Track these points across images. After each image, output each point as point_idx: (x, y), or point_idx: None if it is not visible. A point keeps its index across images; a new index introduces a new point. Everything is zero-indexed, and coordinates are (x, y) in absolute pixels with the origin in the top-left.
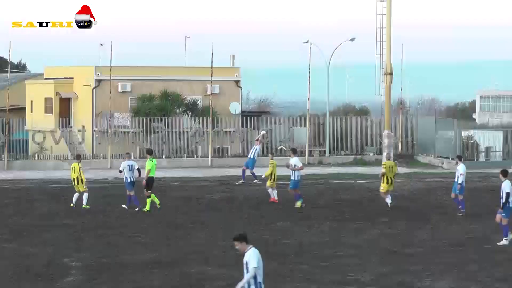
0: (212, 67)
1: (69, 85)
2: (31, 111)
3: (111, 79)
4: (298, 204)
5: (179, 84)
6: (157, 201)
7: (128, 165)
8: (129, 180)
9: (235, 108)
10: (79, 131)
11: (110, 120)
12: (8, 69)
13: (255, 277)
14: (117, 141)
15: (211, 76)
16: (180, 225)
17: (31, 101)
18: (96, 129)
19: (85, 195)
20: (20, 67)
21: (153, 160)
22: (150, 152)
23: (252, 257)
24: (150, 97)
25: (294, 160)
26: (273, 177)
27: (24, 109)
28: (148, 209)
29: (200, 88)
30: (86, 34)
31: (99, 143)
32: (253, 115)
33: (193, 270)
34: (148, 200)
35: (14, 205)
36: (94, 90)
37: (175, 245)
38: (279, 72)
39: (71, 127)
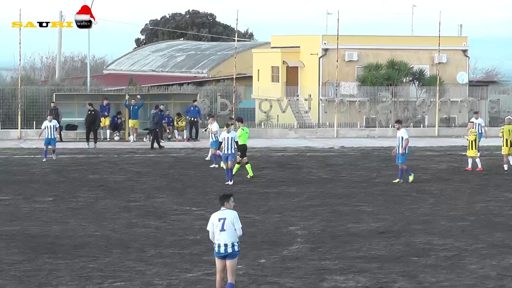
0: (439, 36)
1: (296, 54)
2: (258, 80)
3: (337, 48)
4: (410, 178)
5: (405, 53)
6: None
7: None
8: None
9: (462, 77)
10: (305, 100)
11: (336, 89)
12: (236, 38)
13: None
14: (343, 110)
15: (439, 46)
16: (405, 195)
17: (258, 70)
18: (322, 98)
19: None
20: (247, 35)
21: (244, 128)
22: (240, 120)
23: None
24: (376, 66)
25: (402, 133)
26: (471, 145)
27: (250, 77)
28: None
29: (427, 58)
30: (314, 3)
31: (325, 112)
32: (480, 85)
33: (418, 240)
34: (248, 166)
35: (238, 173)
36: (320, 59)
37: (400, 215)
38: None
39: (297, 95)
